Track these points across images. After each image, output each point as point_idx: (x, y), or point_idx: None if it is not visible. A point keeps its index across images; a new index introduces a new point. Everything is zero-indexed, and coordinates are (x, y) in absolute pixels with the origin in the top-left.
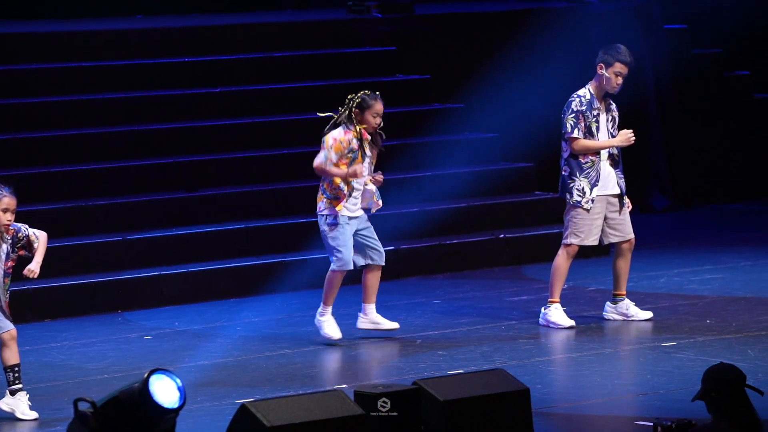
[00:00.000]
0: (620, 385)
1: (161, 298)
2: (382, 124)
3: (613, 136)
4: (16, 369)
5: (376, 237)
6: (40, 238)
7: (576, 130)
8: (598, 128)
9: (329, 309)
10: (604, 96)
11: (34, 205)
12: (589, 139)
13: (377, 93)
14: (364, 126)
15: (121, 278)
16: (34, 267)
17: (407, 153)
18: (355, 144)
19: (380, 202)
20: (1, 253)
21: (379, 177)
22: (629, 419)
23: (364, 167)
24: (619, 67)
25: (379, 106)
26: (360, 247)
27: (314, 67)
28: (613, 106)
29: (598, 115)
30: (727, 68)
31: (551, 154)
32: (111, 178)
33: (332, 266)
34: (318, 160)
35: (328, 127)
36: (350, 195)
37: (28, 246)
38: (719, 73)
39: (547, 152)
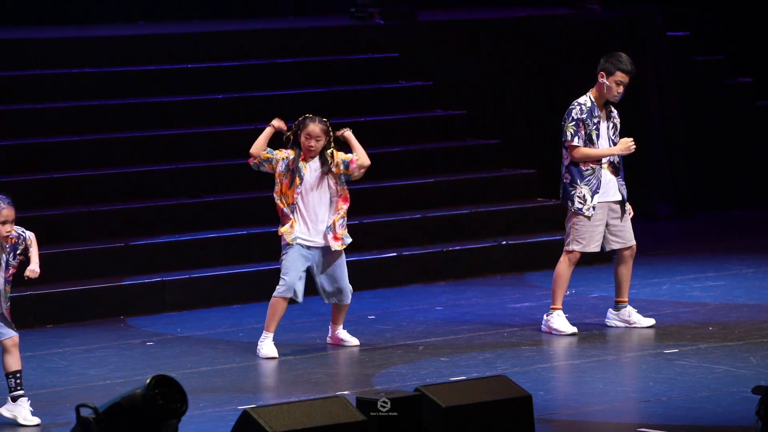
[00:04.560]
0: (622, 392)
1: (163, 304)
2: (313, 149)
3: (615, 144)
4: (18, 375)
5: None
6: (32, 239)
7: (576, 138)
8: (598, 136)
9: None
10: (606, 103)
11: (37, 211)
12: (590, 147)
13: (318, 117)
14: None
15: (123, 284)
16: (35, 267)
17: (409, 159)
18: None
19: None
20: (1, 262)
21: (346, 133)
22: (631, 426)
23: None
24: (620, 75)
25: (312, 127)
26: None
27: (316, 74)
28: (615, 113)
29: (599, 122)
30: (730, 75)
31: (553, 160)
32: (113, 184)
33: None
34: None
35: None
36: (302, 221)
37: (26, 250)
38: (721, 80)
39: (549, 159)
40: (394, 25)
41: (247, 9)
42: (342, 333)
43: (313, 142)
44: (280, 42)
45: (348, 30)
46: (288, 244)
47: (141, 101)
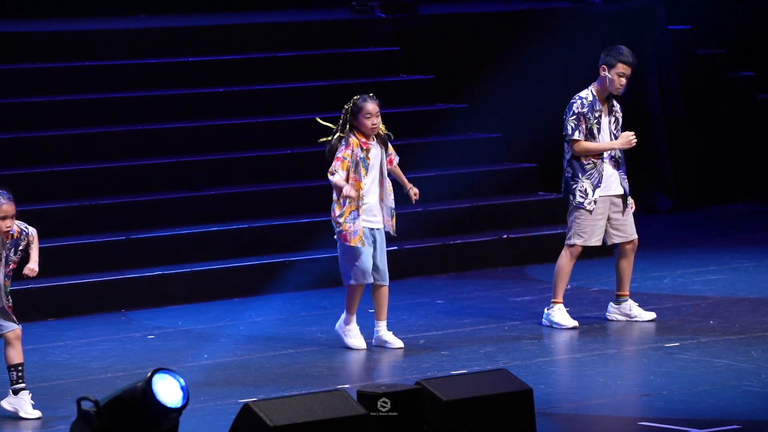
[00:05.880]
0: (623, 386)
1: (164, 297)
2: (376, 125)
3: (617, 138)
4: (20, 368)
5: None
6: (35, 236)
7: (577, 132)
8: (599, 130)
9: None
10: (608, 97)
11: (39, 204)
12: (591, 141)
13: (371, 94)
14: (361, 132)
15: (124, 277)
16: (34, 266)
17: (410, 153)
18: (358, 154)
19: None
20: (1, 258)
21: (415, 191)
22: (632, 420)
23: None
24: (621, 68)
25: (372, 105)
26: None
27: (318, 67)
28: (617, 107)
29: (600, 116)
30: (732, 69)
31: (554, 154)
32: (115, 178)
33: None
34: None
35: (330, 139)
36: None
37: (27, 246)
38: (723, 74)
39: (550, 153)
40: (395, 19)
41: (249, 2)
42: (387, 335)
43: (375, 119)
44: (281, 35)
45: (349, 23)
46: (356, 231)
47: (142, 95)
